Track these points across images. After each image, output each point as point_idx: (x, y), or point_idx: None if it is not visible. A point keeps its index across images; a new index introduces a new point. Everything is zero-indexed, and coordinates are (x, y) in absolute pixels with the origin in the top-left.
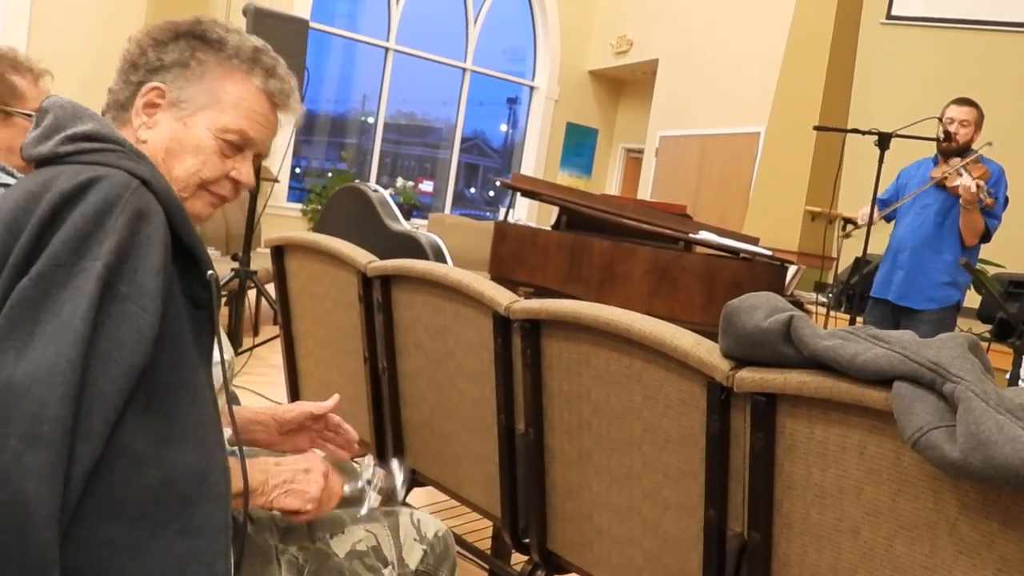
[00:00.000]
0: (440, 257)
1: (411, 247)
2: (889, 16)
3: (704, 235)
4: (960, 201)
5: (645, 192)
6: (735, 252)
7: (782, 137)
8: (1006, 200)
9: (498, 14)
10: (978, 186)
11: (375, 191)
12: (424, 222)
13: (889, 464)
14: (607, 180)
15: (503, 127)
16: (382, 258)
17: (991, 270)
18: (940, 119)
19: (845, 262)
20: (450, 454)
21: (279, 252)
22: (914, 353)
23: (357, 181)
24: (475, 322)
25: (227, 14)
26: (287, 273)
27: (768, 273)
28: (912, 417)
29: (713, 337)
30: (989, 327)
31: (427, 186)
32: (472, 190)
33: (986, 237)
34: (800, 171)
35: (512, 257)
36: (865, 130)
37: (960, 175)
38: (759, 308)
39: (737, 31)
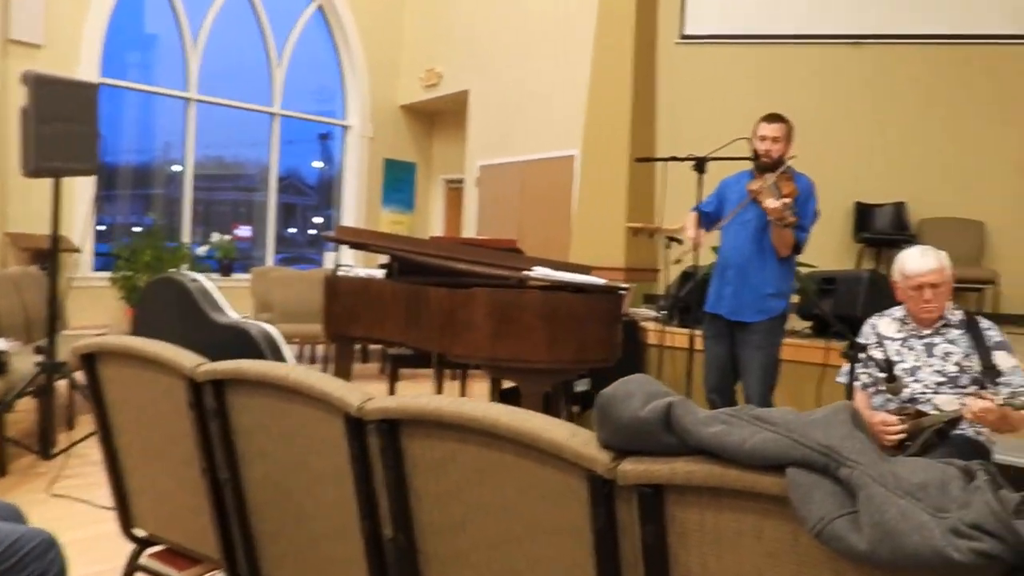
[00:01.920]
0: (275, 349)
1: (241, 341)
2: (683, 36)
3: (539, 271)
4: (770, 219)
5: (470, 221)
6: (572, 286)
7: (597, 158)
8: (816, 213)
9: (303, 55)
10: (784, 204)
11: (193, 280)
12: (247, 277)
13: (787, 547)
14: (430, 213)
15: (316, 163)
16: (211, 356)
17: (804, 270)
18: (751, 137)
19: (673, 273)
20: (313, 565)
21: (90, 360)
22: (802, 436)
23: (172, 271)
24: (325, 423)
25: (2, 83)
26: (102, 382)
27: (606, 302)
28: (812, 506)
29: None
30: (809, 323)
31: (245, 231)
32: (291, 230)
33: (797, 249)
34: (618, 190)
35: (347, 313)
36: (683, 157)
37: (772, 192)
38: (634, 396)
39: (544, 57)
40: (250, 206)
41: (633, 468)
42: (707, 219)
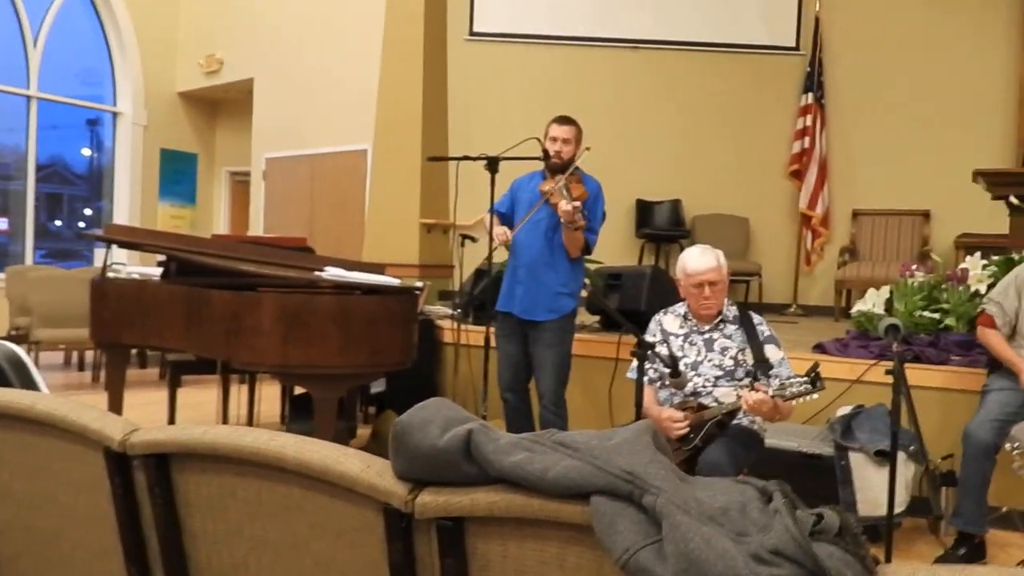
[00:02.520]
0: (21, 372)
1: None
2: (472, 33)
3: (331, 272)
4: (561, 221)
5: (257, 218)
6: (365, 286)
7: (389, 154)
8: (604, 214)
9: (62, 34)
10: (575, 208)
11: None
12: (1, 276)
13: (592, 574)
14: (214, 207)
15: (86, 151)
16: None
17: (591, 267)
18: (542, 138)
19: (468, 270)
20: None
21: None
22: (606, 463)
23: None
24: (82, 460)
25: None
26: None
27: (401, 303)
28: (616, 537)
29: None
30: (597, 317)
31: (1, 223)
32: (57, 223)
33: (587, 250)
34: (411, 186)
35: (117, 319)
36: (475, 156)
37: (563, 195)
38: (432, 423)
39: (334, 49)
40: (6, 196)
41: (432, 500)
42: (502, 219)
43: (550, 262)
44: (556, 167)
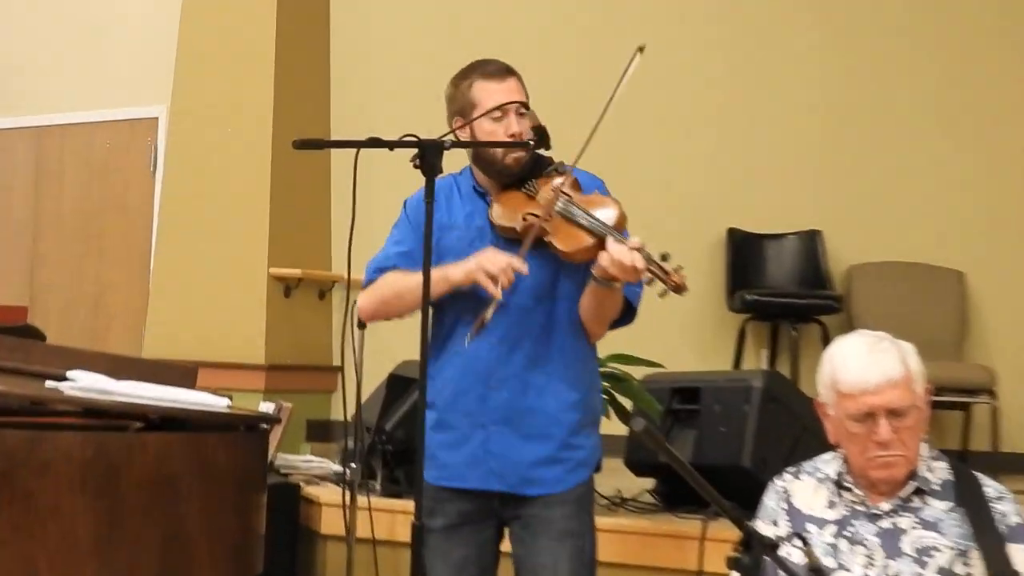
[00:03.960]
0: None
1: None
2: None
3: (80, 383)
4: (595, 276)
5: None
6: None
7: (204, 128)
8: None
9: None
10: (634, 247)
11: None
12: None
13: None
14: None
15: None
16: None
17: (634, 371)
18: (459, 118)
19: (372, 376)
20: None
21: None
22: None
23: None
24: None
25: None
26: None
27: (230, 450)
28: None
29: None
30: (651, 482)
31: None
32: None
33: (628, 313)
34: (253, 200)
35: None
36: (393, 140)
37: (579, 220)
38: None
39: None
40: None
41: None
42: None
43: (546, 360)
44: (513, 172)
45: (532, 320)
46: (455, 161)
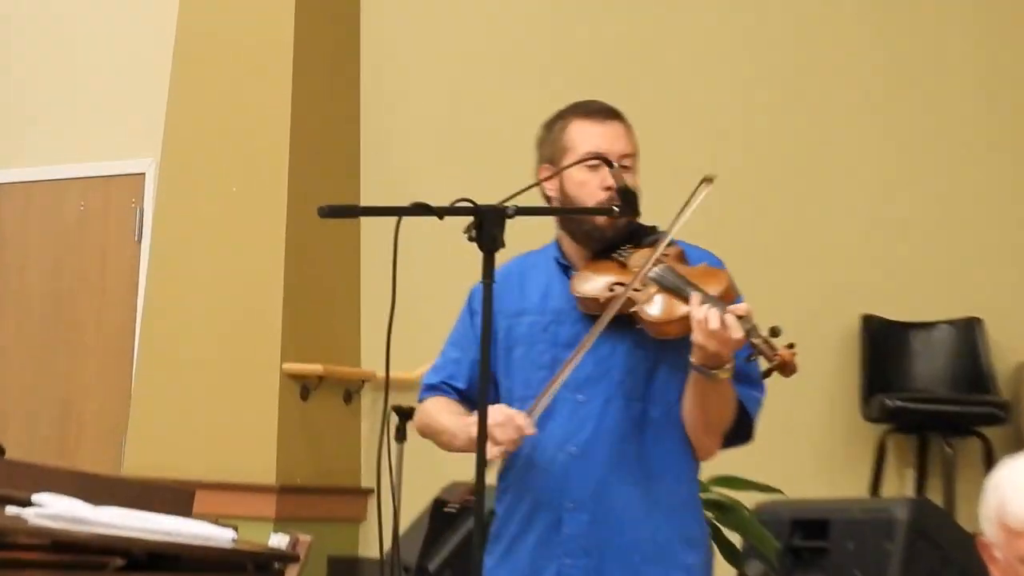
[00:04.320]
0: None
1: None
2: None
3: (48, 509)
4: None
5: None
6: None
7: (199, 189)
8: None
9: None
10: (740, 315)
11: None
12: None
13: None
14: None
15: None
16: None
17: (744, 497)
18: (547, 171)
19: (412, 502)
20: None
21: None
22: None
23: None
24: None
25: None
26: None
27: None
28: None
29: None
30: None
31: None
32: None
33: (745, 431)
34: (264, 280)
35: None
36: (442, 207)
37: (678, 290)
38: None
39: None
40: None
41: None
42: (463, 400)
43: (642, 477)
44: (608, 239)
45: (620, 424)
46: (525, 234)
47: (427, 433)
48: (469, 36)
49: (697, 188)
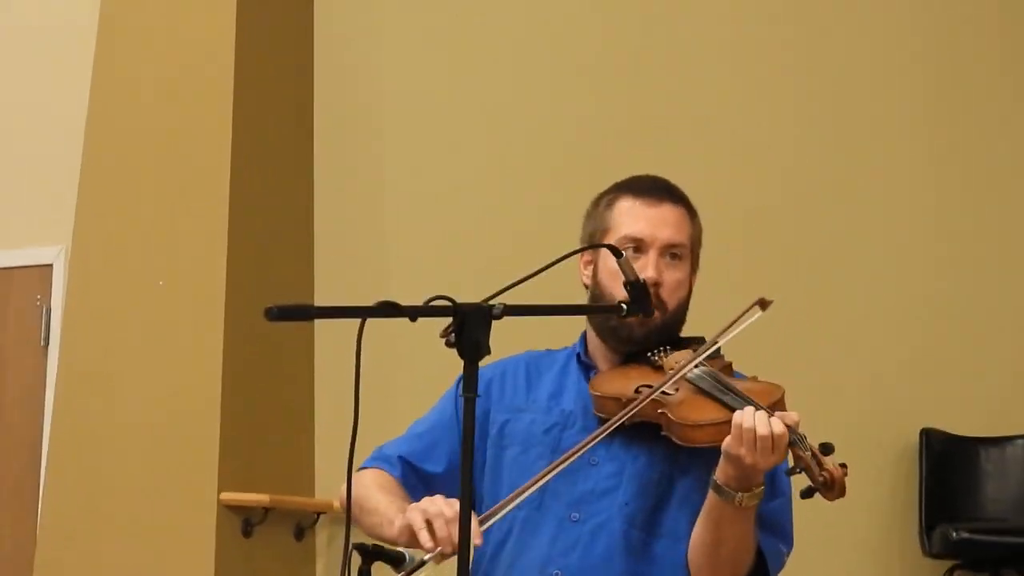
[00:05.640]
0: None
1: None
2: None
3: None
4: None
5: None
6: None
7: (115, 287)
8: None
9: None
10: (789, 422)
11: None
12: None
13: None
14: None
15: None
16: None
17: None
18: (585, 250)
19: None
20: None
21: None
22: None
23: None
24: None
25: None
26: None
27: None
28: None
29: None
30: None
31: None
32: None
33: None
34: (197, 398)
35: None
36: (418, 306)
37: (719, 396)
38: None
39: None
40: None
41: None
42: (423, 483)
43: None
44: (646, 338)
45: (614, 555)
46: (510, 337)
47: (356, 511)
48: (454, 104)
49: (749, 309)
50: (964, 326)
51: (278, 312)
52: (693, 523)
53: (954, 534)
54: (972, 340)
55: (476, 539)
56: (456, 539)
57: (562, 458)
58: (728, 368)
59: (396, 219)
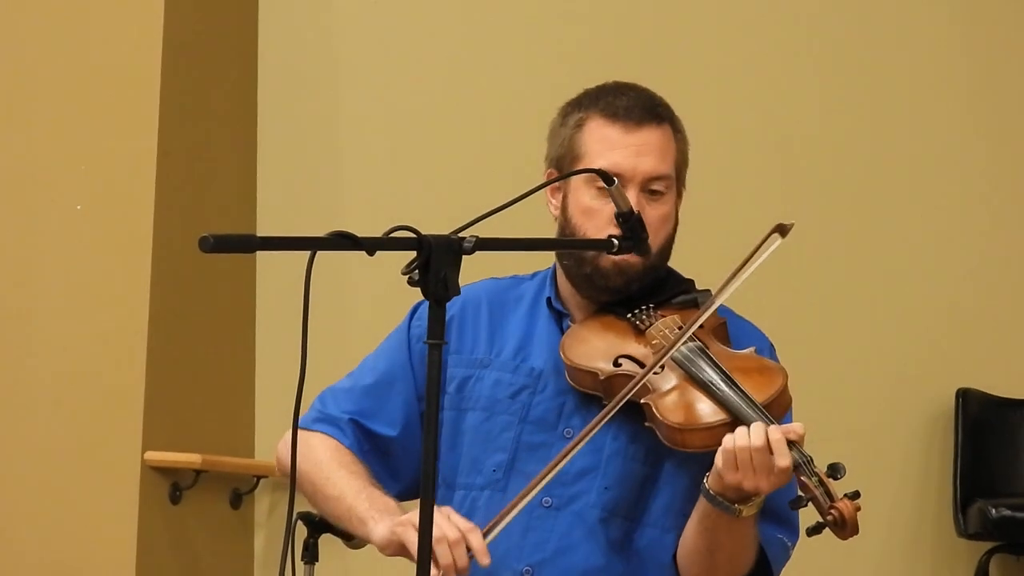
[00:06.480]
0: None
1: None
2: None
3: None
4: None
5: None
6: None
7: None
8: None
9: None
10: (799, 436)
11: None
12: None
13: None
14: None
15: None
16: None
17: None
18: (553, 177)
19: None
20: None
21: None
22: None
23: None
24: None
25: None
26: None
27: None
28: None
29: None
30: None
31: None
32: None
33: None
34: (119, 348)
35: None
36: (380, 234)
37: (715, 387)
38: None
39: None
40: None
41: None
42: (377, 449)
43: None
44: (628, 285)
45: (592, 546)
46: (484, 267)
47: (309, 489)
48: (415, 18)
49: (767, 238)
50: (1008, 277)
51: (215, 242)
52: (683, 512)
53: (993, 511)
54: (1017, 292)
55: (483, 558)
56: (462, 562)
57: (560, 457)
58: (721, 328)
59: (351, 141)
